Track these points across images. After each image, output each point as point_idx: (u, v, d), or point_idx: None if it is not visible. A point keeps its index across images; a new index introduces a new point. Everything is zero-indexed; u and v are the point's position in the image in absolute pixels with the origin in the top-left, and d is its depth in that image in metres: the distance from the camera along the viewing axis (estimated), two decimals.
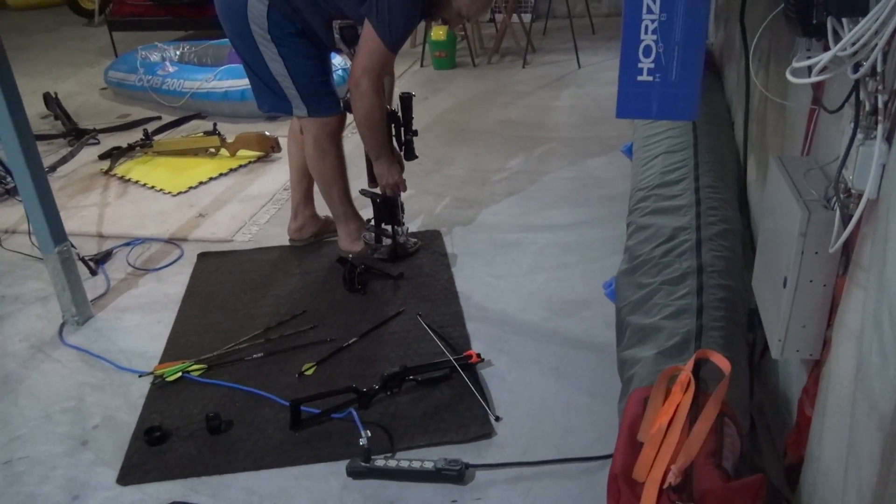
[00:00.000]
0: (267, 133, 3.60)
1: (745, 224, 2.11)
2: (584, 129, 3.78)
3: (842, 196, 1.09)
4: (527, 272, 2.54)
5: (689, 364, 1.37)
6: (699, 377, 1.37)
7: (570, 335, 2.19)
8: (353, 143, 2.51)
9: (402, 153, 2.54)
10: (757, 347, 1.72)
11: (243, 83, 4.06)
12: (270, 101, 2.42)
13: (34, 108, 4.21)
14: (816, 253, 1.20)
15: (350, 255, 2.58)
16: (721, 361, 1.37)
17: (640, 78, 1.44)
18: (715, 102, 2.89)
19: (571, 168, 3.33)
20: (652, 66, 1.43)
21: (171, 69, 4.45)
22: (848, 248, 1.16)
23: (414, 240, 2.69)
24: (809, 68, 1.03)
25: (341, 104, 2.45)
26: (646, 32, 1.40)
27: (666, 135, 2.51)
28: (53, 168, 3.54)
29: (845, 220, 1.09)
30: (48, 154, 3.69)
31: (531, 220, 2.89)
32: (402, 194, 2.57)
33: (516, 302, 2.37)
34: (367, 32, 2.18)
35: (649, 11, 1.38)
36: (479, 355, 2.07)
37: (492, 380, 2.02)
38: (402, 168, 2.51)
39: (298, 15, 2.24)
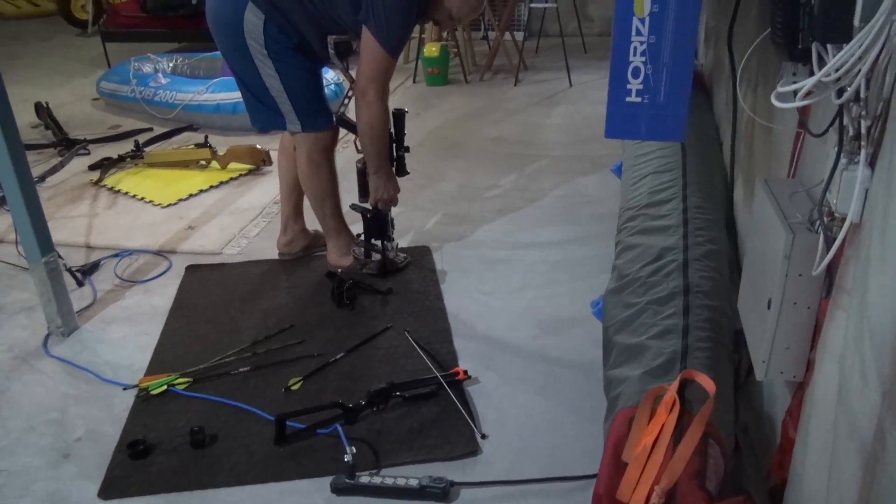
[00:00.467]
0: (258, 146, 3.60)
1: (732, 245, 2.12)
2: (574, 148, 3.80)
3: (826, 219, 1.10)
4: (515, 289, 2.54)
5: (675, 384, 1.38)
6: (684, 397, 1.37)
7: (558, 353, 2.19)
8: (344, 159, 2.52)
9: (393, 169, 2.55)
10: (742, 368, 1.73)
11: (235, 96, 4.05)
12: (264, 117, 2.42)
13: (25, 117, 4.20)
14: (800, 275, 1.21)
15: (339, 270, 2.57)
16: (706, 382, 1.37)
17: (628, 99, 1.45)
18: (704, 123, 2.92)
19: (562, 186, 3.35)
20: (641, 87, 1.44)
21: (163, 81, 4.45)
22: (832, 271, 1.18)
23: (403, 255, 2.69)
24: (794, 92, 1.04)
25: (334, 119, 2.45)
26: (634, 54, 1.42)
27: (655, 154, 2.53)
28: (43, 178, 3.53)
29: (829, 242, 1.10)
30: (37, 164, 3.67)
31: (521, 237, 2.90)
32: (392, 210, 2.57)
33: (504, 319, 2.37)
34: (367, 41, 2.19)
35: (638, 34, 1.39)
36: (466, 372, 2.07)
37: (479, 397, 2.01)
38: (398, 187, 2.52)
39: (294, 29, 2.25)
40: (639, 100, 1.45)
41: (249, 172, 3.61)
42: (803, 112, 1.43)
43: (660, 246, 1.94)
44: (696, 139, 2.59)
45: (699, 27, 3.44)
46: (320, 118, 2.40)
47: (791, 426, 1.34)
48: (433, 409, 1.95)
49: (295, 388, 2.05)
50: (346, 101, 2.47)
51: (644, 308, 1.73)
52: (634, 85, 1.43)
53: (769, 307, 1.27)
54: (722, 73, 2.93)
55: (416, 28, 5.39)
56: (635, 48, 1.41)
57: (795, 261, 1.19)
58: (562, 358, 2.17)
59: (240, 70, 2.35)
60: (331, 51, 2.35)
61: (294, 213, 2.68)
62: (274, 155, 3.59)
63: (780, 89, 1.09)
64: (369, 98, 2.25)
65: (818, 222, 1.14)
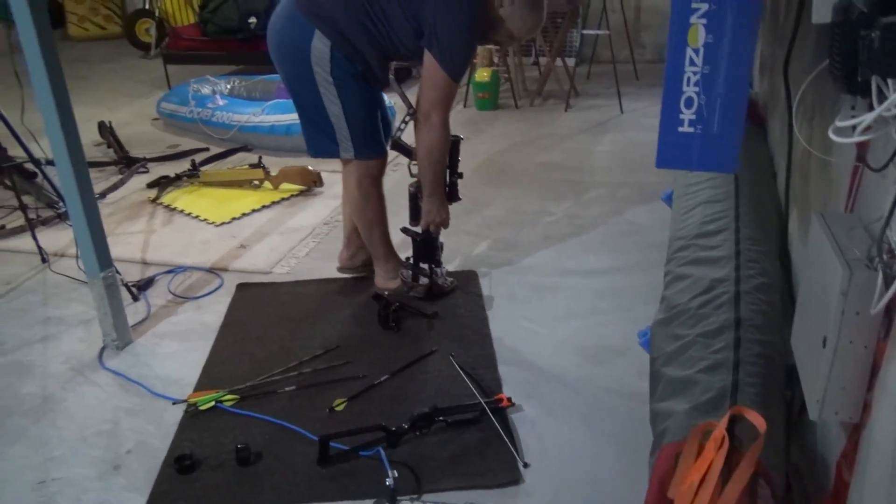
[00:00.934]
0: (310, 168, 3.66)
1: (786, 278, 2.07)
2: (624, 175, 3.77)
3: (885, 257, 1.07)
4: (561, 317, 2.52)
5: (724, 421, 1.35)
6: (734, 434, 1.34)
7: (603, 383, 2.16)
8: (393, 181, 2.54)
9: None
10: (794, 406, 1.68)
11: (289, 118, 4.16)
12: (320, 144, 2.43)
13: (89, 135, 4.36)
14: (858, 313, 1.17)
15: (385, 292, 2.59)
16: (757, 419, 1.34)
17: (681, 129, 1.44)
18: (757, 153, 2.87)
19: (610, 214, 3.33)
20: (693, 117, 1.43)
21: (220, 102, 4.58)
22: (891, 311, 1.14)
23: (450, 280, 2.70)
24: (853, 127, 1.02)
25: (389, 143, 2.47)
26: (688, 84, 1.41)
27: (707, 184, 2.49)
28: (103, 195, 3.65)
29: (888, 281, 1.07)
30: (99, 181, 3.81)
31: (568, 264, 2.88)
32: (441, 234, 2.58)
33: (549, 346, 2.35)
34: (430, 65, 2.22)
35: (692, 64, 1.39)
36: (509, 399, 2.05)
37: (521, 425, 2.00)
38: (448, 212, 2.53)
39: (359, 55, 2.27)
40: (691, 130, 1.44)
41: (301, 193, 3.68)
42: (862, 146, 1.40)
43: (711, 277, 1.91)
44: (749, 170, 2.55)
45: (754, 58, 3.39)
46: (374, 146, 2.43)
47: (846, 469, 1.30)
48: (476, 435, 1.94)
49: (339, 408, 2.07)
50: (403, 125, 2.50)
51: (693, 340, 1.70)
52: (687, 115, 1.42)
53: (824, 345, 1.23)
54: (777, 104, 2.88)
55: None
56: (689, 78, 1.40)
57: (853, 298, 1.16)
58: (607, 388, 2.14)
59: (301, 97, 2.37)
60: (391, 76, 2.38)
61: (357, 228, 2.68)
62: (326, 177, 3.66)
63: (838, 123, 1.07)
64: (433, 122, 2.27)
65: (877, 259, 1.11)
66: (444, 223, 2.52)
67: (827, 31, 1.18)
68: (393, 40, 2.26)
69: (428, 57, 2.21)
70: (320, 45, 2.23)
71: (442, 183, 2.44)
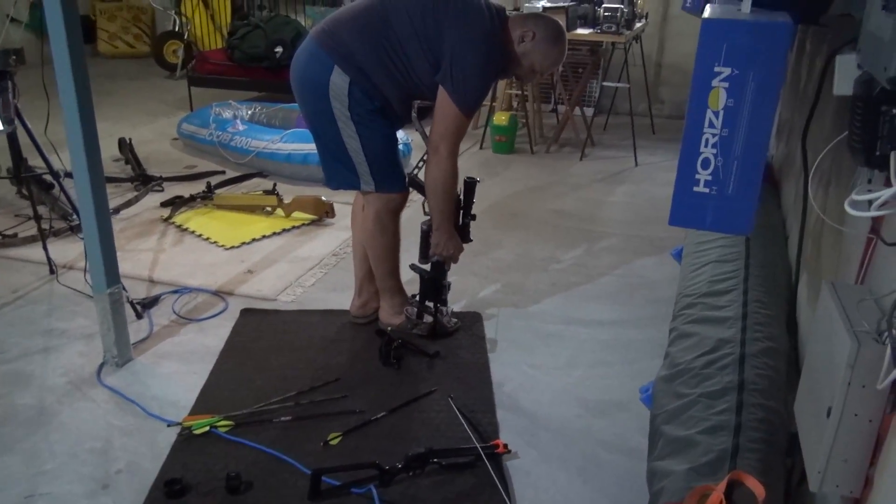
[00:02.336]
0: (323, 198, 3.68)
1: (792, 344, 2.06)
2: (635, 227, 3.78)
3: (895, 332, 1.07)
4: (564, 366, 2.51)
5: (722, 485, 1.33)
6: (731, 500, 1.32)
7: (602, 436, 2.14)
8: (405, 218, 2.55)
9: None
10: (794, 475, 1.65)
11: (306, 147, 4.20)
12: (339, 177, 2.44)
13: (108, 150, 4.41)
14: (864, 386, 1.16)
15: (389, 328, 2.59)
16: (756, 486, 1.32)
17: (696, 189, 1.45)
18: (770, 216, 2.87)
19: (619, 265, 3.32)
20: (709, 178, 1.44)
21: (240, 127, 4.63)
22: None
23: (455, 320, 2.69)
24: (869, 201, 1.03)
25: (406, 181, 2.49)
26: (706, 145, 1.42)
27: (718, 243, 2.50)
28: (117, 210, 3.68)
29: None
30: (114, 196, 3.84)
31: (574, 313, 2.87)
32: (449, 274, 2.58)
33: (550, 395, 2.33)
34: (442, 99, 2.24)
35: (711, 126, 1.40)
36: (506, 446, 2.03)
37: (517, 473, 1.97)
38: (461, 246, 2.53)
39: (378, 92, 2.30)
40: (707, 190, 1.44)
41: (312, 223, 3.69)
42: (877, 218, 1.40)
43: (716, 337, 1.90)
44: (761, 232, 2.55)
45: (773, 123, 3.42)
46: (394, 180, 2.44)
47: None
48: (469, 480, 1.92)
49: (334, 443, 2.05)
50: (422, 163, 2.51)
51: (696, 400, 1.68)
52: (703, 175, 1.43)
53: (828, 416, 1.22)
54: (792, 169, 2.89)
55: (488, 94, 5.50)
56: (707, 139, 1.41)
57: (859, 371, 1.15)
58: (605, 442, 2.12)
59: (321, 131, 2.39)
60: (413, 114, 2.41)
61: (369, 274, 2.66)
62: (338, 208, 3.68)
63: (855, 196, 1.07)
64: (440, 154, 2.28)
65: (886, 334, 1.10)
66: (453, 257, 2.52)
67: (847, 104, 1.19)
68: (412, 77, 2.29)
69: (441, 91, 2.24)
70: (339, 81, 2.26)
71: (450, 216, 2.44)
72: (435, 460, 1.94)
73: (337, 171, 2.43)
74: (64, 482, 1.87)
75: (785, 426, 1.62)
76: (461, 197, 2.50)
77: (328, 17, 2.38)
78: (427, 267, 2.55)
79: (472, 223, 2.57)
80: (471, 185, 2.51)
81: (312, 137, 2.47)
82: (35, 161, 3.10)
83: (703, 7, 2.47)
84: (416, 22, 2.22)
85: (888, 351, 1.09)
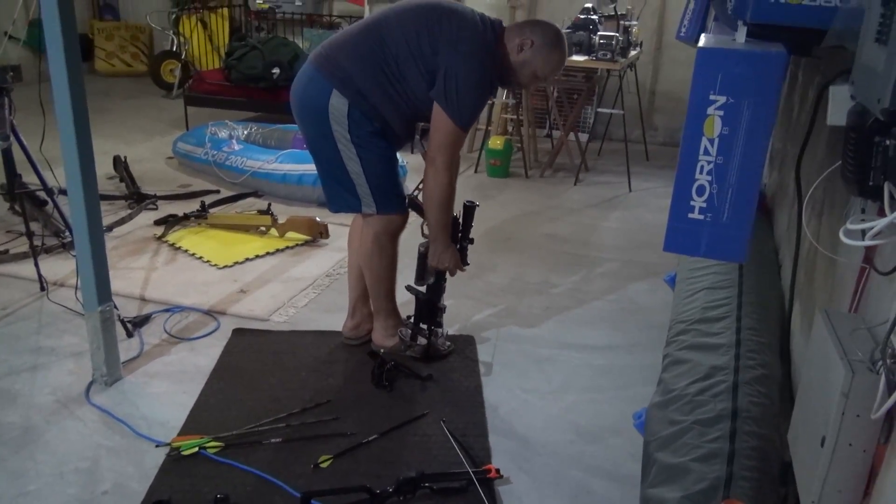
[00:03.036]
0: (318, 219, 3.68)
1: (785, 372, 2.06)
2: (628, 253, 3.79)
3: (889, 361, 1.07)
4: (557, 390, 2.50)
5: None
6: None
7: (594, 462, 2.13)
8: (402, 239, 2.54)
9: None
10: None
11: (301, 168, 4.21)
12: (341, 200, 2.44)
13: (103, 168, 4.39)
14: (858, 416, 1.16)
15: (382, 350, 2.57)
16: None
17: (690, 215, 1.45)
18: (763, 244, 2.89)
19: (612, 290, 3.32)
20: (704, 205, 1.45)
21: (236, 147, 4.63)
22: (892, 416, 1.13)
23: (448, 343, 2.68)
24: (863, 231, 1.03)
25: (406, 202, 2.49)
26: (700, 172, 1.43)
27: (711, 270, 2.50)
28: (110, 228, 3.67)
29: (891, 386, 1.06)
30: (108, 214, 3.82)
31: (567, 337, 2.87)
32: (444, 298, 2.57)
33: (542, 420, 2.32)
34: (438, 114, 2.25)
35: (706, 153, 1.41)
36: (498, 471, 2.02)
37: (508, 498, 1.96)
38: (458, 258, 2.50)
39: (377, 113, 2.30)
40: (701, 217, 1.45)
41: (306, 243, 3.69)
42: (870, 247, 1.41)
43: (709, 364, 1.90)
44: (754, 260, 2.56)
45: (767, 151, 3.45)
46: (394, 202, 2.44)
47: None
48: None
49: (324, 465, 2.03)
50: (422, 185, 2.51)
51: (689, 427, 1.68)
52: (698, 202, 1.44)
53: (822, 445, 1.21)
54: (785, 197, 2.91)
55: (484, 117, 5.54)
56: (702, 166, 1.42)
57: (854, 401, 1.15)
58: (598, 468, 2.11)
59: (321, 154, 2.40)
60: (417, 136, 2.42)
61: (363, 296, 2.66)
62: (332, 229, 3.68)
63: (849, 226, 1.08)
64: (437, 165, 2.28)
65: (880, 363, 1.10)
66: (450, 270, 2.51)
67: (841, 134, 1.20)
68: (409, 97, 2.30)
69: (436, 106, 2.25)
70: (338, 104, 2.27)
71: (446, 228, 2.42)
72: (426, 484, 1.92)
73: (338, 193, 2.43)
74: (49, 503, 1.85)
75: (778, 455, 1.61)
76: (460, 221, 2.50)
77: (326, 40, 2.40)
78: (423, 289, 2.55)
79: (469, 247, 2.57)
80: (470, 209, 2.51)
81: (313, 160, 2.47)
82: (29, 177, 3.09)
83: (698, 36, 2.50)
84: (411, 42, 2.24)
85: (882, 380, 1.09)
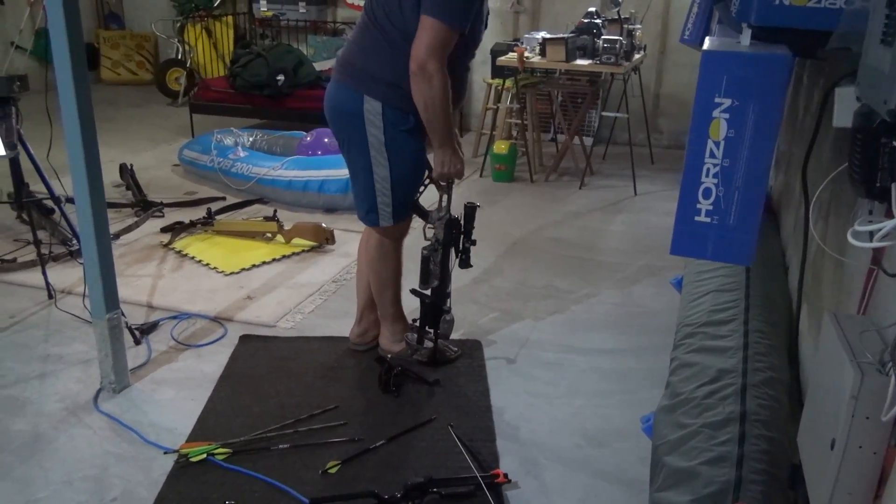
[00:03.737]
0: (323, 224, 3.69)
1: (794, 375, 2.05)
2: (634, 256, 3.78)
3: None
4: (564, 394, 2.49)
5: None
6: None
7: (602, 467, 2.12)
8: (405, 245, 2.55)
9: (457, 261, 2.55)
10: None
11: (307, 174, 4.22)
12: (362, 212, 2.45)
13: (109, 176, 4.40)
14: (868, 418, 1.15)
15: (389, 356, 2.57)
16: None
17: (697, 218, 1.45)
18: (770, 246, 2.88)
19: (618, 294, 3.32)
20: (710, 208, 1.44)
21: (241, 154, 4.65)
22: None
23: (454, 348, 2.68)
24: (871, 233, 1.03)
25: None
26: (707, 175, 1.42)
27: (718, 273, 2.50)
28: (117, 236, 3.68)
29: None
30: (114, 221, 3.84)
31: (573, 341, 2.87)
32: (450, 303, 2.57)
33: (550, 424, 2.32)
34: (423, 21, 2.15)
35: (712, 156, 1.40)
36: (506, 475, 2.01)
37: (516, 503, 1.95)
38: (462, 162, 2.43)
39: (410, 103, 2.26)
40: (708, 220, 1.45)
41: (312, 249, 3.69)
42: (878, 249, 1.40)
43: (717, 367, 1.89)
44: (760, 262, 2.55)
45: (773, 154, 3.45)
46: (405, 209, 2.44)
47: None
48: None
49: (332, 471, 2.03)
50: (422, 188, 2.52)
51: (697, 431, 1.67)
52: (704, 205, 1.43)
53: (832, 448, 1.21)
54: (791, 199, 2.90)
55: (489, 122, 5.55)
56: (708, 169, 1.41)
57: (863, 403, 1.14)
58: (606, 472, 2.10)
59: (353, 161, 2.39)
60: None
61: (370, 303, 2.66)
62: (338, 234, 3.69)
63: (857, 228, 1.08)
64: (430, 69, 2.15)
65: (890, 365, 1.10)
66: (459, 173, 2.43)
67: (847, 135, 1.20)
68: None
69: (422, 19, 2.15)
70: (371, 108, 2.27)
71: (450, 131, 2.32)
72: (434, 490, 1.92)
73: (362, 204, 2.44)
74: None
75: (788, 458, 1.61)
76: (461, 222, 2.50)
77: (339, 52, 2.39)
78: (428, 291, 2.55)
79: (472, 249, 2.57)
80: (471, 210, 2.51)
81: (348, 171, 2.47)
82: (37, 186, 3.11)
83: (702, 40, 2.50)
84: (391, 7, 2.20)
85: (892, 382, 1.08)
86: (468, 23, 2.21)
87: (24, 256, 3.34)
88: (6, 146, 2.74)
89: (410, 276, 2.59)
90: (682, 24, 3.07)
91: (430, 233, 2.48)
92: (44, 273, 3.01)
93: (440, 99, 2.22)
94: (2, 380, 2.44)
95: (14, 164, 2.87)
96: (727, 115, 1.35)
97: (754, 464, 1.51)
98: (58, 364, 2.54)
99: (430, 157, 2.41)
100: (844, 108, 1.23)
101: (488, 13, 2.39)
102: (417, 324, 2.62)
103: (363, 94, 2.27)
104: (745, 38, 1.44)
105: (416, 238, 2.59)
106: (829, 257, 1.92)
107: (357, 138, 2.32)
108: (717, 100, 1.35)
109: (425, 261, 2.50)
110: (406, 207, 2.44)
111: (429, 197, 2.49)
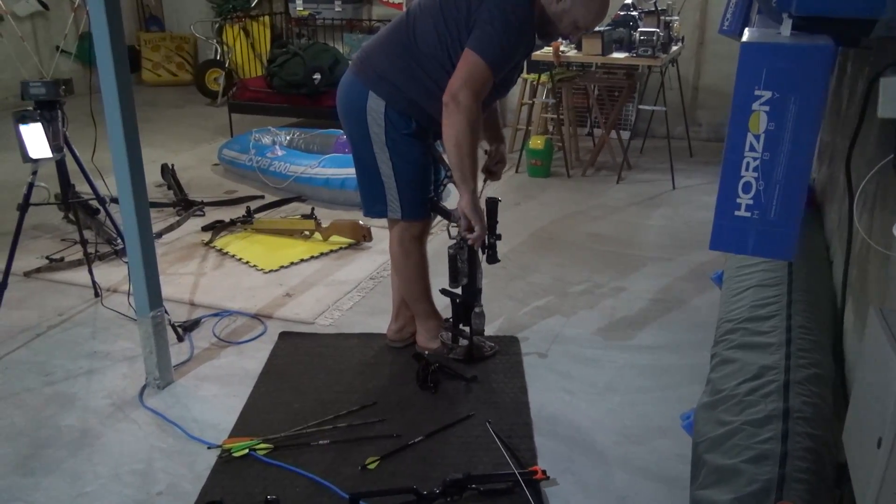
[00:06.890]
0: (361, 222, 3.72)
1: (839, 372, 2.01)
2: (673, 251, 3.74)
3: None
4: (602, 391, 2.48)
5: None
6: None
7: (641, 464, 2.11)
8: (437, 243, 2.55)
9: (484, 257, 2.55)
10: None
11: (344, 172, 4.25)
12: (372, 206, 2.47)
13: (151, 176, 4.47)
14: None
15: (426, 353, 2.59)
16: None
17: (737, 213, 1.43)
18: (813, 240, 2.82)
19: (657, 289, 3.28)
20: (751, 202, 1.42)
21: (279, 152, 4.70)
22: None
23: (491, 344, 2.68)
24: None
25: (428, 205, 2.49)
26: (747, 169, 1.40)
27: (759, 267, 2.45)
28: (160, 235, 3.75)
29: None
30: (157, 221, 3.91)
31: (611, 337, 2.84)
32: (483, 298, 2.57)
33: (588, 421, 2.31)
34: (465, 54, 2.16)
35: (752, 149, 1.38)
36: (544, 472, 2.01)
37: (554, 500, 1.95)
38: (483, 217, 2.36)
39: (415, 108, 2.30)
40: (748, 215, 1.42)
41: (349, 247, 3.72)
42: None
43: (759, 364, 1.86)
44: (803, 256, 2.50)
45: (815, 146, 3.38)
46: (418, 208, 2.45)
47: None
48: None
49: (371, 466, 2.05)
50: (441, 187, 2.53)
51: (739, 428, 1.65)
52: (744, 199, 1.41)
53: (879, 446, 1.18)
54: (835, 192, 2.84)
55: (524, 118, 5.52)
56: (748, 163, 1.39)
57: None
58: (645, 469, 2.08)
59: (360, 156, 2.42)
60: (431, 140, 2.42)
61: (405, 300, 2.68)
62: (375, 232, 3.71)
63: None
64: (459, 102, 2.13)
65: None
66: (478, 238, 2.36)
67: (892, 126, 1.17)
68: (442, 85, 2.23)
69: (465, 52, 2.16)
70: (375, 106, 2.30)
71: (472, 175, 2.26)
72: (473, 486, 1.93)
73: (370, 197, 2.46)
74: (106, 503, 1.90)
75: (833, 456, 1.58)
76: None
77: (364, 44, 2.43)
78: (458, 290, 2.55)
79: (502, 245, 2.55)
80: (493, 204, 2.49)
81: (354, 164, 2.50)
82: (82, 187, 3.18)
83: (741, 30, 2.46)
84: (439, 25, 2.22)
85: None
86: (507, 69, 2.26)
87: (71, 256, 3.43)
88: (53, 149, 2.81)
89: (442, 277, 2.60)
90: (720, 14, 3.01)
91: (454, 231, 2.47)
92: (90, 272, 3.09)
93: (465, 132, 2.17)
94: (51, 376, 2.51)
95: (60, 165, 2.94)
96: (767, 108, 1.33)
97: (798, 462, 1.49)
98: (104, 361, 2.61)
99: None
100: (890, 98, 1.20)
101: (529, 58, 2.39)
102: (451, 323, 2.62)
103: (368, 90, 2.29)
104: (786, 28, 1.41)
105: (445, 239, 2.59)
106: (875, 251, 1.88)
107: (362, 134, 2.35)
108: (756, 92, 1.32)
109: (452, 259, 2.49)
110: (417, 207, 2.44)
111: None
